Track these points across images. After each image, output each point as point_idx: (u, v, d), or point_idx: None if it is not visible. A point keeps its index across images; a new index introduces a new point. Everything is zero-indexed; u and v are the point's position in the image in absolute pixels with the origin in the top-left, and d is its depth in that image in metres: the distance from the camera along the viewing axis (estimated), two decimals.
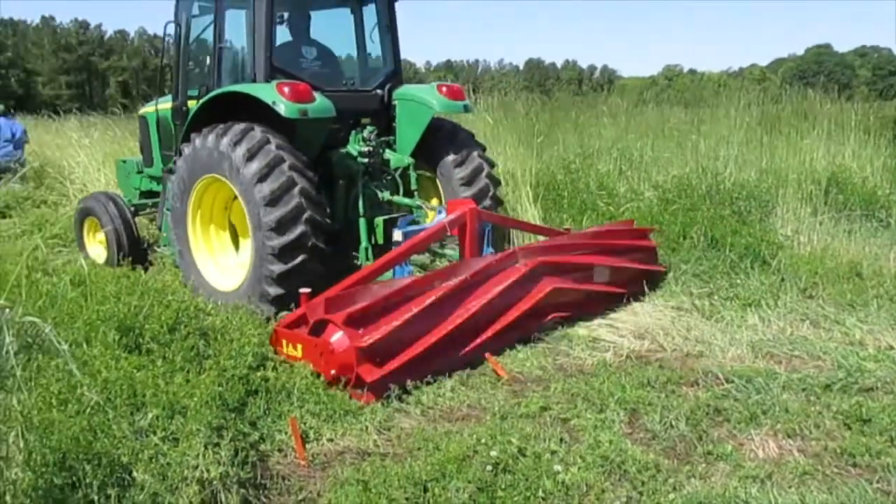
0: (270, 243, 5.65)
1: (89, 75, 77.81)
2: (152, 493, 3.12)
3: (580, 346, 5.54)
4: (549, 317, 5.83)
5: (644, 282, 6.60)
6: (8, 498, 2.84)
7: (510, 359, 5.29)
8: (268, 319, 5.57)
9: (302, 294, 5.06)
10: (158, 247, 7.55)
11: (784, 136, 9.48)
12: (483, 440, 3.88)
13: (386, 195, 6.80)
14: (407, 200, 6.82)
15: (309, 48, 7.15)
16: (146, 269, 7.02)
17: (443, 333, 4.91)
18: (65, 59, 75.03)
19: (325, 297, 4.87)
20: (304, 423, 4.18)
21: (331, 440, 4.09)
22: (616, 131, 10.63)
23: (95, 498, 3.02)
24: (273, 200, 5.67)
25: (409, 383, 4.67)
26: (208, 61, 6.98)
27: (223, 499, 3.30)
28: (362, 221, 6.58)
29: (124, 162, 8.75)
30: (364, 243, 6.56)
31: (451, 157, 7.13)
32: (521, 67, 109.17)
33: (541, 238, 6.99)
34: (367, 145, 6.73)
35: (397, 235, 6.22)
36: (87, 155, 12.21)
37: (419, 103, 6.98)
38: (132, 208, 7.84)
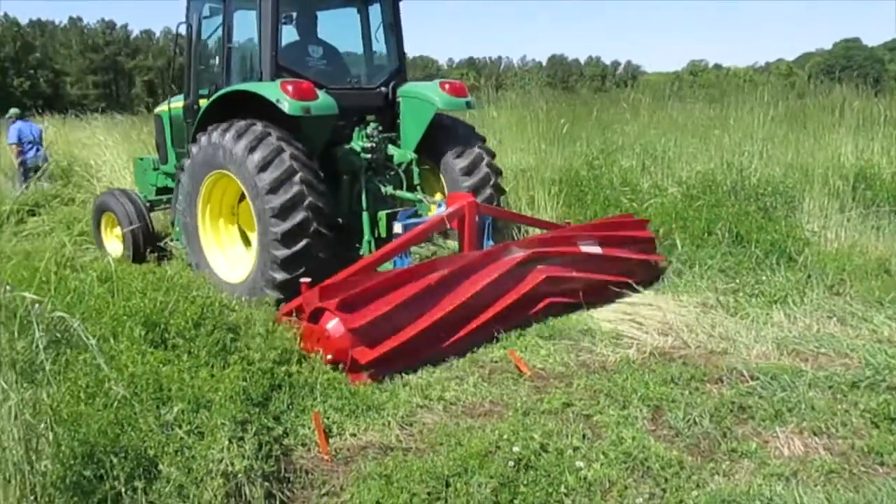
0: (274, 229, 5.87)
1: (116, 75, 78.73)
2: (178, 486, 3.16)
3: (603, 342, 5.51)
4: (545, 302, 5.88)
5: (644, 269, 6.75)
6: (38, 489, 2.90)
7: (533, 355, 5.29)
8: (278, 303, 5.68)
9: (302, 284, 5.20)
10: (171, 241, 7.70)
11: (810, 131, 9.36)
12: (505, 436, 3.89)
13: (389, 190, 6.99)
14: (409, 195, 6.98)
15: (315, 47, 7.34)
16: (160, 263, 7.18)
17: (434, 319, 5.03)
18: (92, 60, 75.94)
19: (320, 286, 5.01)
20: (327, 418, 4.21)
21: (353, 435, 4.11)
22: (638, 127, 10.55)
23: (122, 490, 3.07)
24: (274, 188, 5.89)
25: (425, 377, 4.72)
26: (218, 61, 7.23)
27: (247, 492, 3.34)
28: (365, 215, 6.78)
29: (141, 160, 9.01)
30: (367, 236, 6.76)
31: (452, 152, 7.29)
32: (543, 64, 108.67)
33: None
34: (371, 141, 6.91)
35: (397, 228, 6.37)
36: (112, 154, 12.37)
37: (422, 100, 7.15)
38: (148, 204, 8.10)
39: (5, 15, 72.56)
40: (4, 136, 13.42)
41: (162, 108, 8.25)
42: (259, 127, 6.12)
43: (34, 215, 10.75)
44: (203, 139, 6.44)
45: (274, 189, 5.90)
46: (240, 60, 7.20)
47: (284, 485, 3.59)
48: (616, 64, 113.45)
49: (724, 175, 8.45)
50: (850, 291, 6.37)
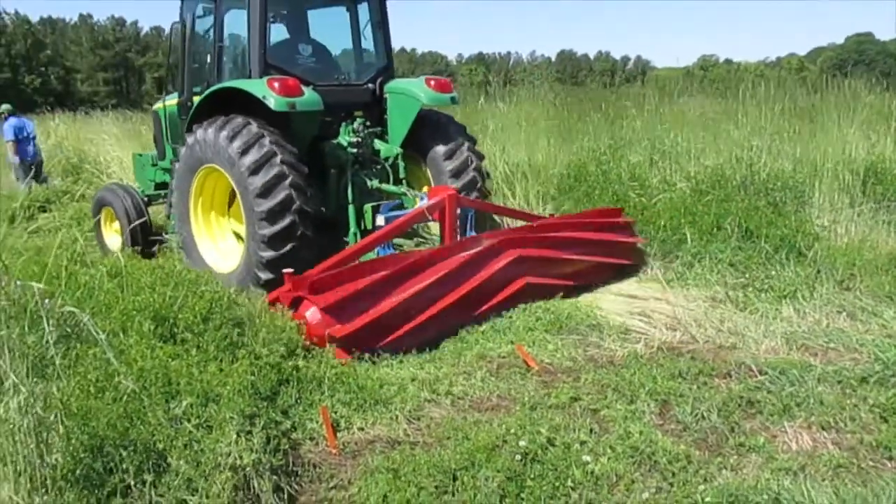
0: (262, 231, 6.09)
1: (126, 72, 79.11)
2: (186, 479, 3.18)
3: (611, 336, 5.51)
4: (521, 282, 5.98)
5: (623, 252, 7.03)
6: (48, 482, 2.92)
7: (540, 349, 5.29)
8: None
9: (285, 274, 5.32)
10: (167, 233, 7.84)
11: (821, 125, 9.28)
12: (512, 430, 3.89)
13: (375, 183, 7.19)
14: (393, 188, 7.19)
15: (304, 45, 7.59)
16: (153, 255, 7.44)
17: (404, 297, 5.21)
18: (102, 56, 76.36)
19: (294, 276, 5.23)
20: (335, 412, 4.23)
21: (361, 429, 4.13)
22: (646, 122, 10.49)
23: (132, 483, 3.09)
24: (265, 192, 6.08)
25: (433, 371, 4.73)
26: (209, 59, 7.41)
27: (255, 485, 3.35)
28: (351, 208, 6.98)
29: (140, 155, 9.30)
30: (353, 228, 6.96)
31: (438, 146, 7.47)
32: (553, 59, 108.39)
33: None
34: (357, 136, 7.15)
35: (380, 220, 6.66)
36: (121, 150, 12.45)
37: (408, 96, 7.36)
38: (146, 198, 8.33)
39: (16, 13, 73.06)
40: None
41: (158, 105, 8.48)
42: (254, 128, 6.28)
43: (45, 211, 10.86)
44: (198, 133, 6.62)
45: (264, 193, 6.08)
46: (230, 58, 7.42)
47: (292, 478, 3.61)
48: (626, 59, 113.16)
49: (734, 170, 8.41)
50: (860, 286, 6.33)
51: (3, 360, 3.17)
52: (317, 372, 4.50)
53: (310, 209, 6.26)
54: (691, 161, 9.03)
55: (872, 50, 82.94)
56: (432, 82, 7.40)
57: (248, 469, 3.32)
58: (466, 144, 7.57)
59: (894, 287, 6.19)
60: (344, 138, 7.16)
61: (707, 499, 3.36)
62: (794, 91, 10.80)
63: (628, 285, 6.76)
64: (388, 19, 7.77)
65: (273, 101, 6.21)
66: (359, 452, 3.92)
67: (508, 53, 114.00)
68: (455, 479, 3.50)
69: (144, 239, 7.92)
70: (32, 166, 13.02)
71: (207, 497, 3.15)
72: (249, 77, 6.76)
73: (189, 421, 3.48)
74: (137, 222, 7.93)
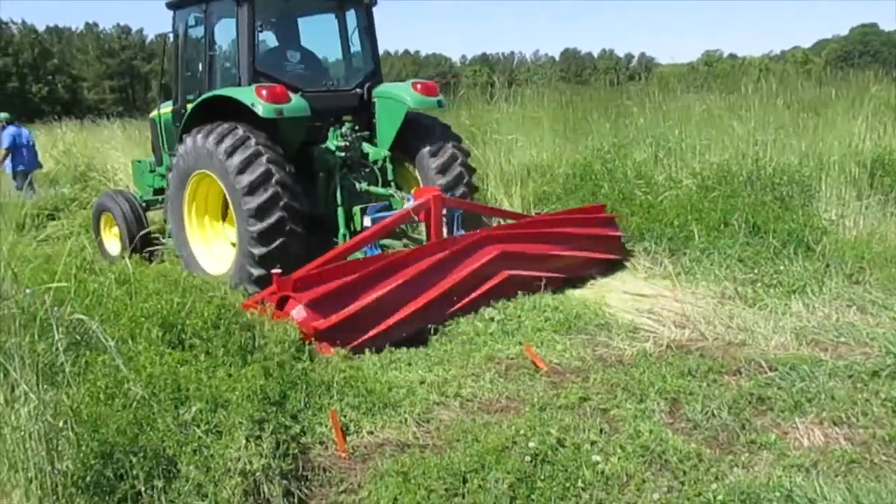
0: (251, 228, 6.28)
1: (132, 79, 79.41)
2: (196, 485, 3.19)
3: (620, 335, 5.49)
4: (501, 276, 6.08)
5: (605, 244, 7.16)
6: (59, 489, 2.94)
7: (549, 350, 5.28)
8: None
9: (274, 274, 5.40)
10: (164, 238, 7.96)
11: (826, 118, 9.24)
12: (522, 431, 3.88)
13: (364, 186, 7.39)
14: (381, 190, 7.38)
15: (293, 52, 7.81)
16: (151, 260, 7.62)
17: (382, 294, 5.33)
18: (108, 65, 76.70)
19: (283, 277, 5.32)
20: (344, 416, 4.22)
21: (371, 432, 4.12)
22: (650, 119, 10.47)
23: (142, 489, 3.10)
24: (252, 189, 6.27)
25: (441, 374, 4.72)
26: (201, 67, 7.60)
27: (265, 490, 3.36)
28: (340, 210, 7.19)
29: (139, 162, 9.45)
30: (342, 230, 7.18)
31: (425, 147, 7.63)
32: (556, 58, 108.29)
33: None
34: (345, 140, 7.35)
35: (367, 221, 6.80)
36: (128, 156, 12.50)
37: (395, 100, 7.52)
38: (143, 204, 8.49)
39: (23, 22, 73.53)
40: None
41: (155, 112, 8.64)
42: (239, 131, 6.47)
43: (53, 219, 10.90)
44: (188, 140, 6.81)
45: (252, 191, 6.27)
46: (221, 67, 7.61)
47: (302, 483, 3.61)
48: (630, 57, 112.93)
49: (740, 165, 8.37)
50: (869, 279, 6.29)
51: (14, 368, 3.19)
52: (325, 376, 4.50)
53: (297, 205, 6.45)
54: (697, 157, 9.01)
55: (877, 41, 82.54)
56: (419, 86, 7.55)
57: (257, 474, 3.33)
58: (451, 142, 7.73)
59: None
60: (332, 142, 7.34)
61: (719, 497, 3.34)
62: (798, 85, 10.75)
63: (636, 283, 6.74)
64: (374, 25, 7.96)
65: (261, 107, 6.40)
66: (368, 456, 3.91)
67: (512, 53, 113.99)
68: (465, 481, 3.49)
69: (142, 243, 8.06)
70: (28, 174, 13.11)
71: (217, 502, 3.16)
72: (239, 85, 6.96)
73: (198, 426, 3.49)
74: (135, 228, 8.12)
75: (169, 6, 7.98)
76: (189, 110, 7.24)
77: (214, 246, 7.23)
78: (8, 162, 13.07)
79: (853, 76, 10.61)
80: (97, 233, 8.79)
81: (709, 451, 3.81)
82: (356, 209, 7.13)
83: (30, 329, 3.51)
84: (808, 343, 5.22)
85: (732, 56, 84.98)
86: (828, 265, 6.44)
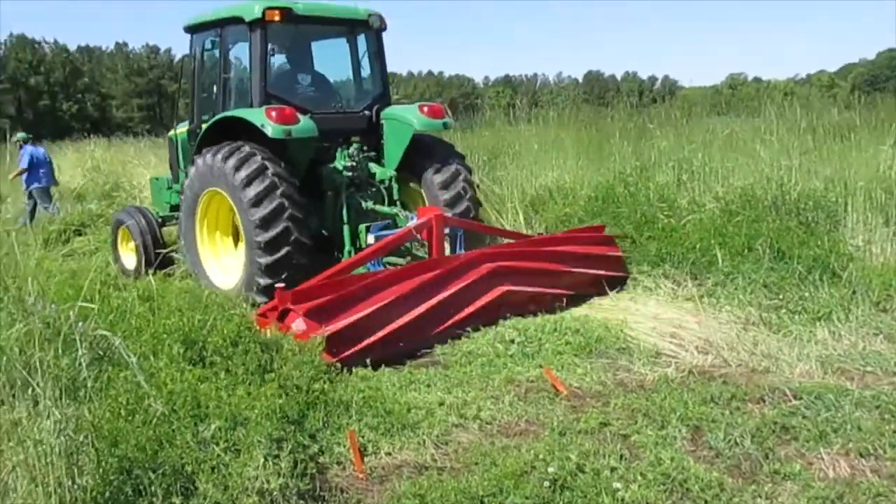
0: (258, 238, 6.53)
1: (160, 97, 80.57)
2: (214, 502, 3.20)
3: (641, 360, 5.44)
4: (498, 291, 6.21)
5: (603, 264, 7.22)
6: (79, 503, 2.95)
7: (569, 373, 5.24)
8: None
9: (277, 288, 5.52)
10: (177, 253, 8.14)
11: (853, 143, 9.14)
12: (541, 456, 3.85)
13: (370, 204, 7.62)
14: (386, 209, 7.60)
15: (304, 76, 8.16)
16: (167, 274, 7.65)
17: (375, 308, 5.47)
18: (136, 83, 77.95)
19: (282, 291, 5.46)
20: (362, 437, 4.21)
21: (388, 453, 4.10)
22: (672, 142, 10.42)
23: None
24: (258, 201, 6.54)
25: (461, 395, 4.68)
26: (216, 89, 7.94)
27: None
28: (346, 228, 7.43)
29: (157, 179, 9.81)
30: (348, 247, 7.40)
31: (431, 168, 7.87)
32: (580, 80, 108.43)
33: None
34: (352, 161, 7.60)
35: (370, 239, 7.13)
36: (153, 173, 12.65)
37: (401, 122, 7.79)
38: (160, 220, 8.77)
39: (55, 42, 75.08)
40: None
41: (173, 132, 8.98)
42: (246, 148, 6.78)
43: (80, 235, 11.05)
44: (200, 160, 7.11)
45: (258, 202, 6.54)
46: (235, 89, 7.93)
47: (319, 503, 3.60)
48: (653, 79, 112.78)
49: (764, 190, 8.30)
50: None
51: (37, 383, 3.22)
52: (344, 396, 4.50)
53: (301, 216, 6.71)
54: (720, 181, 8.94)
55: None
56: (425, 108, 7.80)
57: (275, 493, 3.32)
58: (456, 161, 7.97)
59: None
60: (340, 163, 7.59)
61: None
62: (823, 109, 10.65)
63: (658, 307, 6.68)
64: (384, 50, 8.22)
65: (270, 128, 6.66)
66: (386, 477, 3.89)
67: (535, 75, 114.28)
68: None
69: (157, 257, 8.32)
70: (48, 190, 13.44)
71: None
72: (251, 106, 7.22)
73: (217, 444, 3.50)
74: (151, 243, 8.41)
75: (187, 30, 8.33)
76: (203, 130, 7.51)
77: (224, 259, 7.48)
78: (23, 178, 13.35)
79: (880, 100, 10.49)
80: (115, 247, 9.07)
81: (731, 481, 3.75)
82: (362, 227, 7.38)
83: (54, 344, 3.54)
84: (833, 371, 5.13)
85: (757, 79, 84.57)
86: (854, 292, 6.34)
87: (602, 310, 6.66)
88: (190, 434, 3.48)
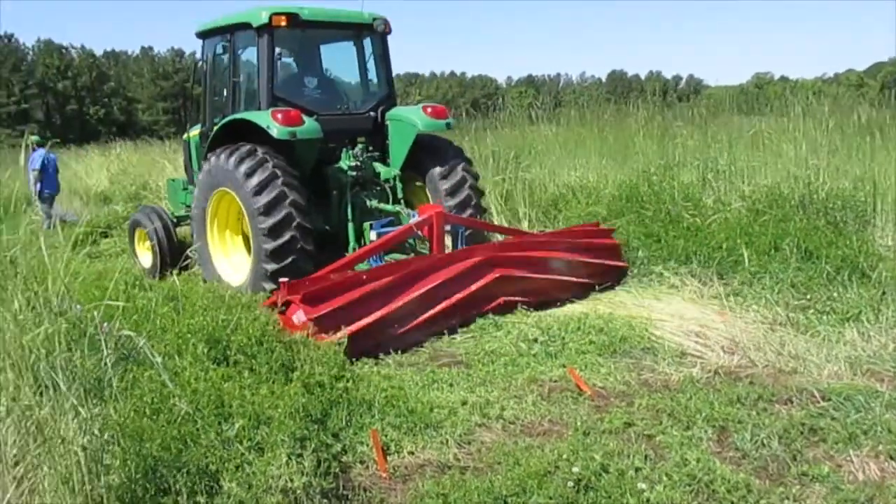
0: (265, 246, 6.68)
1: (185, 101, 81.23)
2: (238, 501, 3.21)
3: (666, 360, 5.39)
4: (492, 275, 6.37)
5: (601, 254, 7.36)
6: (103, 502, 2.97)
7: (593, 373, 5.20)
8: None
9: (282, 282, 5.69)
10: (191, 252, 8.13)
11: (881, 142, 8.99)
12: (565, 455, 3.82)
13: (374, 203, 7.78)
14: (389, 207, 7.75)
15: (311, 78, 8.33)
16: (183, 270, 8.02)
17: (365, 291, 5.67)
18: (162, 87, 78.83)
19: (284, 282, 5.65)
20: (386, 436, 4.21)
21: (411, 453, 4.10)
22: (697, 140, 10.32)
23: None
24: (267, 210, 6.68)
25: (483, 395, 4.66)
26: (226, 92, 8.11)
27: None
28: (350, 226, 7.63)
29: (173, 180, 10.01)
30: (352, 244, 7.59)
31: (435, 168, 7.98)
32: (603, 80, 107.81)
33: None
34: (357, 161, 7.75)
35: (372, 235, 7.29)
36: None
37: (405, 123, 7.92)
38: (174, 220, 8.96)
39: (82, 47, 76.25)
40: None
41: (187, 135, 9.19)
42: (259, 153, 6.88)
43: (106, 237, 11.20)
44: (212, 160, 7.25)
45: (267, 211, 6.67)
46: (244, 92, 8.04)
47: (342, 502, 3.60)
48: (678, 78, 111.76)
49: (791, 189, 8.19)
50: None
51: (64, 382, 3.25)
52: (367, 395, 4.51)
53: (309, 225, 6.85)
54: (746, 180, 8.83)
55: None
56: (429, 109, 7.91)
57: (298, 492, 3.33)
58: (462, 165, 8.02)
59: None
60: (345, 162, 7.73)
61: None
62: (852, 107, 10.48)
63: (683, 306, 6.61)
64: (389, 52, 8.36)
65: (275, 130, 6.82)
66: (409, 476, 3.89)
67: (558, 75, 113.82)
68: None
69: (172, 256, 8.51)
70: (53, 197, 13.58)
71: None
72: (259, 109, 7.37)
73: (241, 443, 3.51)
74: (166, 242, 8.61)
75: (198, 35, 8.50)
76: (214, 132, 7.70)
77: (233, 257, 7.66)
78: (32, 181, 13.42)
79: None
80: (132, 246, 9.26)
81: (758, 483, 3.70)
82: (366, 225, 7.54)
83: (80, 344, 3.58)
84: (863, 373, 5.04)
85: (784, 79, 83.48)
86: (884, 293, 6.23)
87: (626, 308, 6.61)
88: (214, 433, 3.50)
